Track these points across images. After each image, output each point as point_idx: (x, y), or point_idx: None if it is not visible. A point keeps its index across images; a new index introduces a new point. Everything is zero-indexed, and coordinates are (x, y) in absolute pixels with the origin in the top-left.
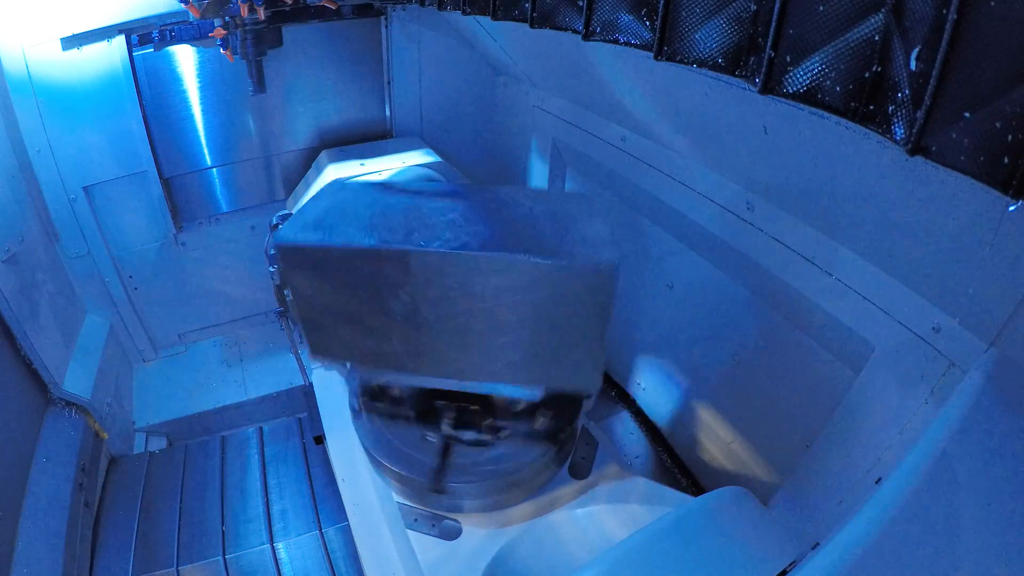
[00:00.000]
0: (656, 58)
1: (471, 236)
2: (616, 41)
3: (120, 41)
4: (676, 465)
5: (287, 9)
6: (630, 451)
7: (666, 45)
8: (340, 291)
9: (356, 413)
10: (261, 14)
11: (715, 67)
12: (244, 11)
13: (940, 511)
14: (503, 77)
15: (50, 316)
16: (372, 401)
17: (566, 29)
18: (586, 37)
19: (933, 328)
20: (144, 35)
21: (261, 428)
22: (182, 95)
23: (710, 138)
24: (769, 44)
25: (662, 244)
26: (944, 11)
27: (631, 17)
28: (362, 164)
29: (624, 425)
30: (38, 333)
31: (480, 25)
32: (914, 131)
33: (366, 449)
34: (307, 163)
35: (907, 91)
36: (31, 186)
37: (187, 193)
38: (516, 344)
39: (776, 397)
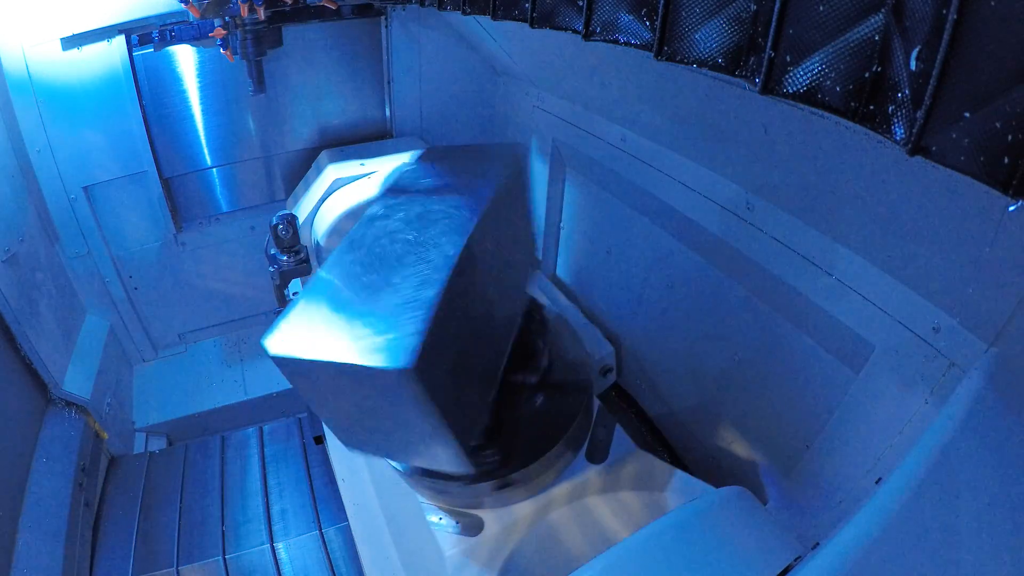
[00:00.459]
0: (656, 58)
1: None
2: (616, 41)
3: (120, 41)
4: (676, 465)
5: (287, 9)
6: None
7: (666, 45)
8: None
9: None
10: (261, 14)
11: (715, 67)
12: (244, 11)
13: (940, 511)
14: (503, 77)
15: (50, 316)
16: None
17: (566, 29)
18: (586, 37)
19: (933, 328)
20: (144, 35)
21: (261, 428)
22: (182, 95)
23: (710, 138)
24: (769, 44)
25: (662, 244)
26: (944, 11)
27: (631, 17)
28: (362, 164)
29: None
30: (38, 333)
31: (480, 25)
32: (914, 131)
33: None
34: (307, 163)
35: (907, 91)
36: (31, 186)
37: (187, 193)
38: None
39: (776, 397)
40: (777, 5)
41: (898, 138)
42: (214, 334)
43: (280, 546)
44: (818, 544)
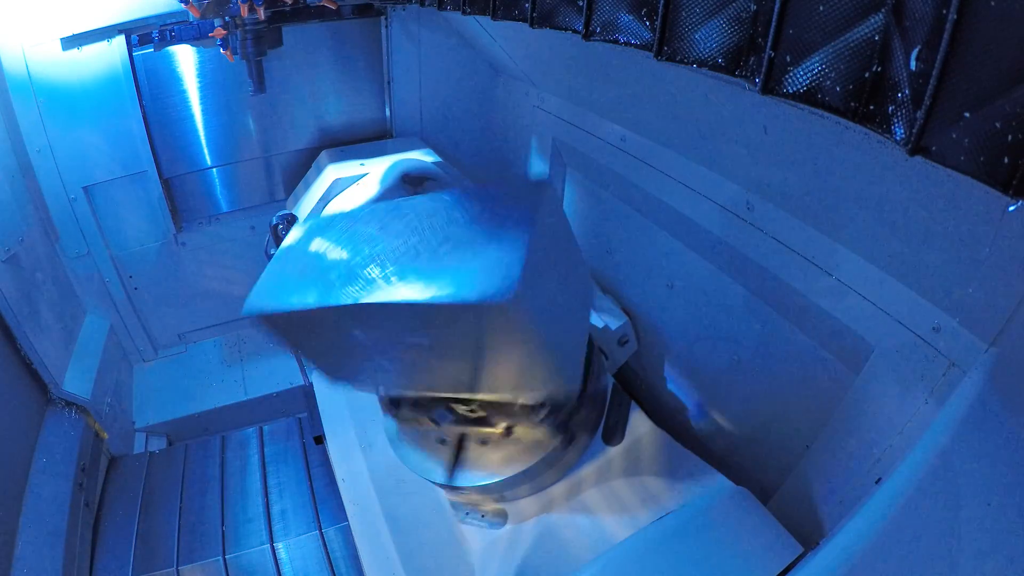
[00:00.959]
0: (656, 58)
1: (384, 275)
2: (616, 41)
3: (120, 41)
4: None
5: (287, 9)
6: None
7: (666, 45)
8: (315, 340)
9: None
10: (261, 14)
11: (715, 67)
12: (244, 11)
13: (940, 511)
14: (503, 77)
15: (50, 316)
16: (391, 406)
17: (566, 29)
18: (586, 37)
19: (933, 328)
20: (144, 35)
21: (261, 428)
22: (182, 95)
23: (710, 138)
24: (769, 44)
25: (662, 244)
26: (944, 11)
27: (631, 17)
28: (362, 164)
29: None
30: (38, 333)
31: (480, 25)
32: (914, 131)
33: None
34: (307, 163)
35: (907, 91)
36: (31, 186)
37: (187, 193)
38: (468, 370)
39: (776, 397)
40: (777, 5)
41: (898, 138)
42: (214, 334)
43: (280, 546)
44: (818, 544)
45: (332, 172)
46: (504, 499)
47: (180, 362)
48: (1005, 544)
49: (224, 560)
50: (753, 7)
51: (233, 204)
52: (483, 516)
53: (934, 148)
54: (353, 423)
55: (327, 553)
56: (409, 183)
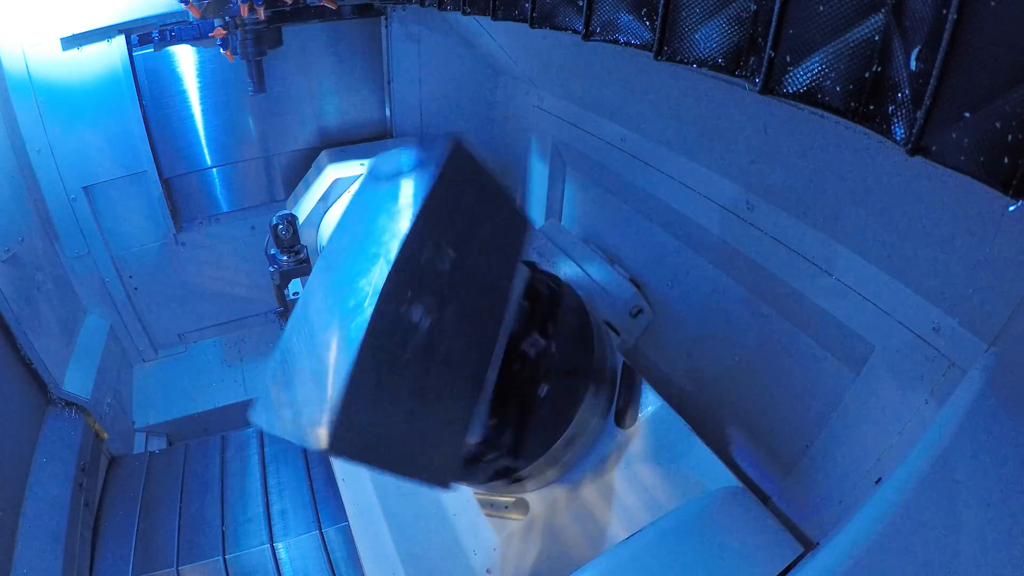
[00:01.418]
0: (656, 58)
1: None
2: (616, 41)
3: (120, 41)
4: None
5: (287, 9)
6: None
7: (666, 45)
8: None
9: None
10: (261, 14)
11: (715, 67)
12: (244, 11)
13: (940, 511)
14: (503, 77)
15: (50, 316)
16: None
17: (566, 29)
18: (586, 37)
19: (933, 328)
20: (144, 35)
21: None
22: (182, 95)
23: (710, 138)
24: (769, 44)
25: (662, 243)
26: (944, 11)
27: (631, 17)
28: (362, 164)
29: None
30: (38, 333)
31: (480, 25)
32: (914, 131)
33: None
34: (307, 163)
35: (907, 91)
36: (31, 186)
37: (187, 193)
38: None
39: (776, 397)
40: (777, 5)
41: (898, 138)
42: (214, 334)
43: (280, 546)
44: (818, 544)
45: (332, 172)
46: (524, 490)
47: (180, 362)
48: (1005, 544)
49: (224, 560)
50: (753, 7)
51: (233, 204)
52: (506, 507)
53: (934, 148)
54: None
55: (327, 553)
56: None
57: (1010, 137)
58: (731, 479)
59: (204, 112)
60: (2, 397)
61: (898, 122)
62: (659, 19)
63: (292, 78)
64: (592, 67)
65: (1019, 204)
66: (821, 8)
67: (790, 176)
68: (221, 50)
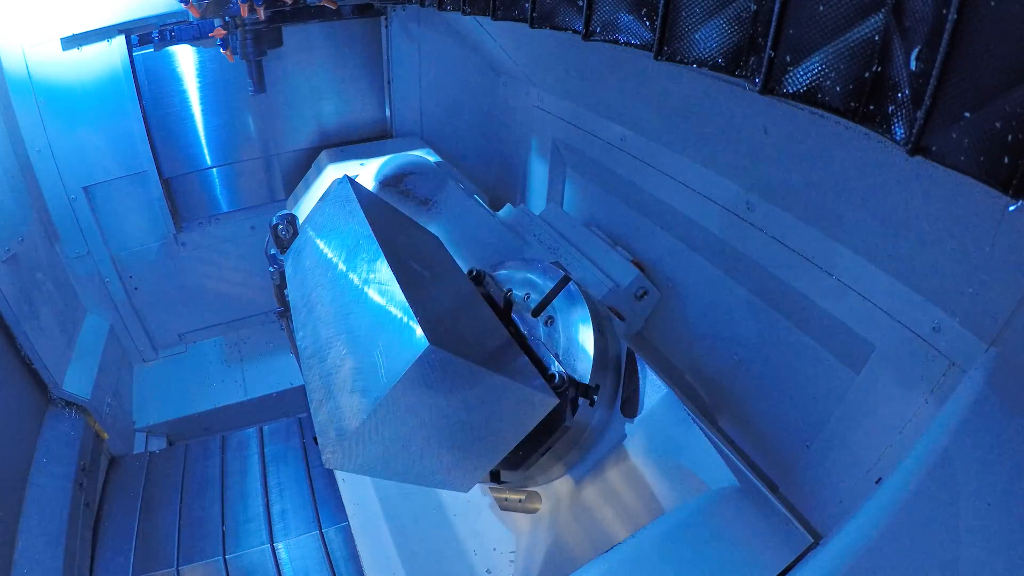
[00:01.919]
0: (656, 58)
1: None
2: (616, 41)
3: (120, 41)
4: None
5: (287, 9)
6: None
7: (666, 45)
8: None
9: None
10: (261, 14)
11: (715, 67)
12: (244, 11)
13: (940, 511)
14: (503, 77)
15: (50, 316)
16: None
17: (566, 29)
18: (586, 37)
19: (933, 328)
20: (144, 35)
21: (261, 428)
22: (182, 95)
23: (710, 138)
24: (769, 44)
25: (662, 244)
26: (944, 11)
27: (631, 17)
28: (362, 164)
29: None
30: (38, 333)
31: (480, 25)
32: (914, 131)
33: None
34: (307, 163)
35: (907, 91)
36: (31, 186)
37: (187, 193)
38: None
39: (776, 397)
40: (777, 5)
41: (898, 138)
42: (214, 334)
43: (280, 546)
44: (818, 544)
45: (332, 172)
46: (536, 483)
47: (180, 362)
48: (1005, 544)
49: (224, 560)
50: (753, 7)
51: (233, 204)
52: (520, 501)
53: (934, 148)
54: None
55: (327, 553)
56: (389, 185)
57: (1010, 137)
58: (740, 469)
59: (204, 112)
60: (2, 397)
61: (898, 122)
62: (659, 19)
63: (292, 78)
64: (592, 67)
65: (1019, 204)
66: (821, 8)
67: (790, 176)
68: (221, 50)
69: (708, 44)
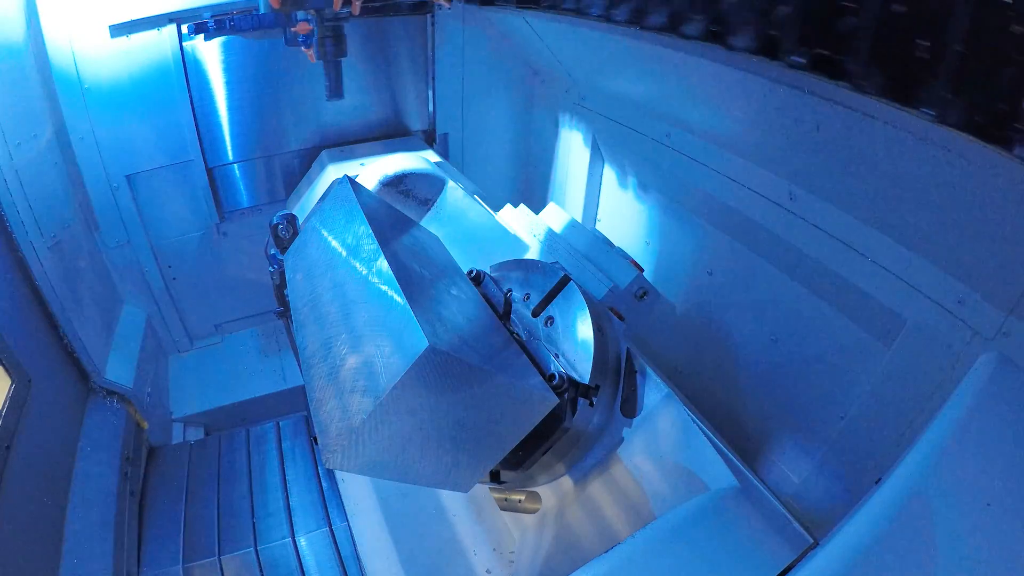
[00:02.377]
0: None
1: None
2: None
3: (171, 30)
4: None
5: (379, 4)
6: None
7: None
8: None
9: None
10: (357, 8)
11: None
12: (337, 4)
13: (940, 511)
14: (540, 75)
15: (91, 305)
16: None
17: None
18: None
19: (958, 301)
20: (196, 24)
21: (277, 423)
22: (231, 85)
23: (762, 136)
24: None
25: (703, 233)
26: None
27: None
28: (362, 164)
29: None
30: (81, 321)
31: (527, 23)
32: None
33: None
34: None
35: None
36: (73, 174)
37: (231, 183)
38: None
39: (811, 372)
40: None
41: None
42: (250, 325)
43: (302, 540)
44: (818, 543)
45: (332, 172)
46: (536, 483)
47: (216, 352)
48: (1005, 544)
49: (256, 551)
50: None
51: (276, 195)
52: (520, 501)
53: None
54: None
55: (337, 549)
56: (389, 185)
57: None
58: (740, 469)
59: (252, 102)
60: (46, 386)
61: None
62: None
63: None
64: (640, 67)
65: None
66: None
67: (833, 168)
68: (303, 49)
69: None
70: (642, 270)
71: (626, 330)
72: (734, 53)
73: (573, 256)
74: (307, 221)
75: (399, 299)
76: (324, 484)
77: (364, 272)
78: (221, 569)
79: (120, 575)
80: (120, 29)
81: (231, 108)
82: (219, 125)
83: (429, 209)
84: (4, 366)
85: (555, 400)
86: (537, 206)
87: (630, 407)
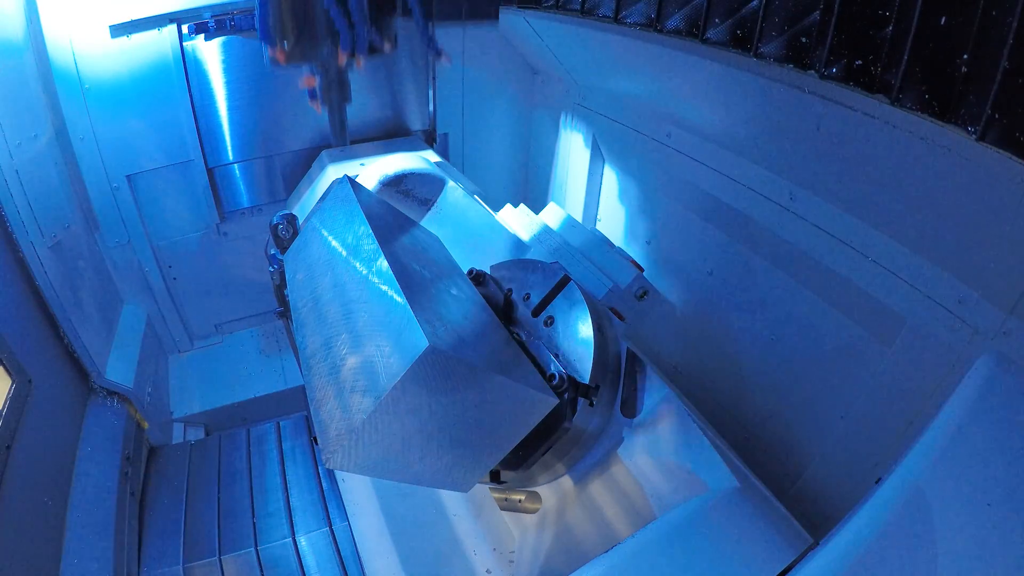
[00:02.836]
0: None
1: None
2: None
3: (171, 30)
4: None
5: (384, 52)
6: None
7: None
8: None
9: None
10: (360, 63)
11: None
12: (342, 60)
13: (940, 511)
14: (540, 75)
15: (92, 305)
16: None
17: None
18: None
19: (958, 300)
20: (197, 24)
21: (278, 423)
22: (231, 85)
23: (762, 136)
24: None
25: (702, 232)
26: None
27: None
28: (362, 164)
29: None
30: (81, 321)
31: (528, 24)
32: None
33: None
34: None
35: None
36: (73, 174)
37: (231, 183)
38: None
39: (810, 371)
40: None
41: None
42: (250, 325)
43: (303, 540)
44: (818, 543)
45: (332, 172)
46: (536, 483)
47: (216, 352)
48: (1005, 544)
49: (257, 551)
50: None
51: (277, 195)
52: (520, 501)
53: None
54: None
55: (337, 549)
56: (389, 185)
57: None
58: (740, 469)
59: (252, 102)
60: (46, 386)
61: None
62: None
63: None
64: (642, 67)
65: None
66: None
67: (832, 168)
68: (309, 101)
69: None
70: (642, 270)
71: (626, 330)
72: (735, 53)
73: (573, 256)
74: (307, 221)
75: (399, 299)
76: (324, 484)
77: (364, 272)
78: (221, 569)
79: (120, 575)
80: (120, 29)
81: (231, 108)
82: (219, 125)
83: (429, 209)
84: (4, 366)
85: (555, 400)
86: (537, 206)
87: (630, 407)
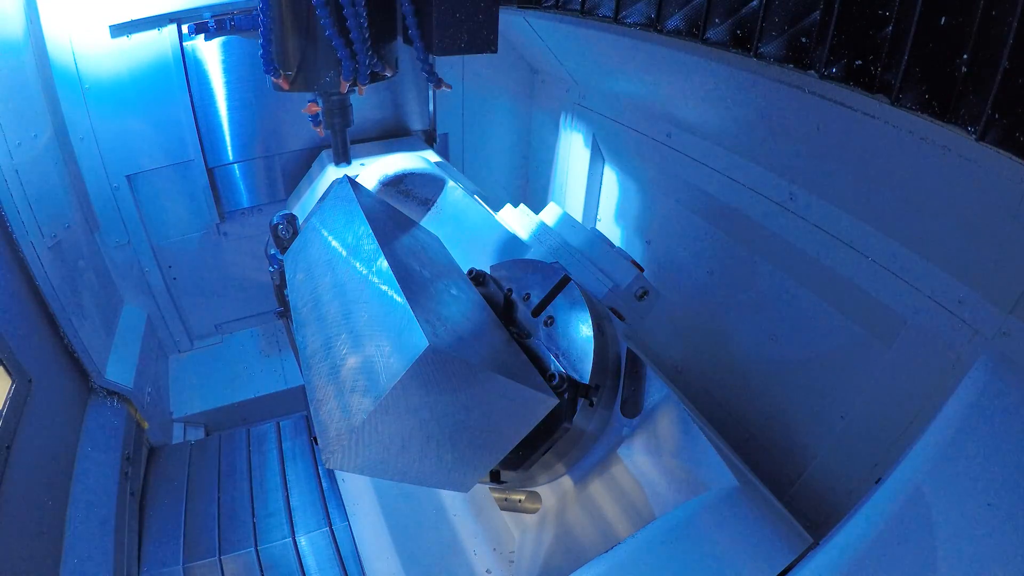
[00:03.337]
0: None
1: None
2: None
3: (171, 30)
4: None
5: (388, 78)
6: None
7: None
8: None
9: None
10: (362, 91)
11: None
12: (344, 87)
13: (940, 511)
14: (540, 75)
15: (92, 305)
16: None
17: None
18: None
19: (959, 301)
20: (197, 24)
21: (278, 423)
22: (231, 85)
23: (763, 136)
24: None
25: (703, 233)
26: None
27: None
28: (362, 164)
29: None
30: (81, 321)
31: (527, 23)
32: None
33: None
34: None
35: None
36: (73, 174)
37: (231, 183)
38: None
39: (809, 371)
40: None
41: None
42: (251, 324)
43: (303, 540)
44: (818, 543)
45: (332, 172)
46: (536, 483)
47: (216, 352)
48: (1005, 544)
49: (257, 551)
50: None
51: (277, 195)
52: (520, 501)
53: None
54: None
55: (337, 549)
56: (389, 185)
57: None
58: (740, 469)
59: (252, 102)
60: (47, 385)
61: None
62: None
63: None
64: (642, 67)
65: None
66: None
67: (833, 168)
68: (312, 126)
69: None
70: (642, 270)
71: (626, 330)
72: (735, 53)
73: (573, 256)
74: (307, 221)
75: (399, 299)
76: (324, 484)
77: (364, 272)
78: (221, 569)
79: (120, 575)
80: (120, 29)
81: (231, 108)
82: (219, 125)
83: (429, 209)
84: (4, 366)
85: (555, 400)
86: (537, 206)
87: (630, 407)
